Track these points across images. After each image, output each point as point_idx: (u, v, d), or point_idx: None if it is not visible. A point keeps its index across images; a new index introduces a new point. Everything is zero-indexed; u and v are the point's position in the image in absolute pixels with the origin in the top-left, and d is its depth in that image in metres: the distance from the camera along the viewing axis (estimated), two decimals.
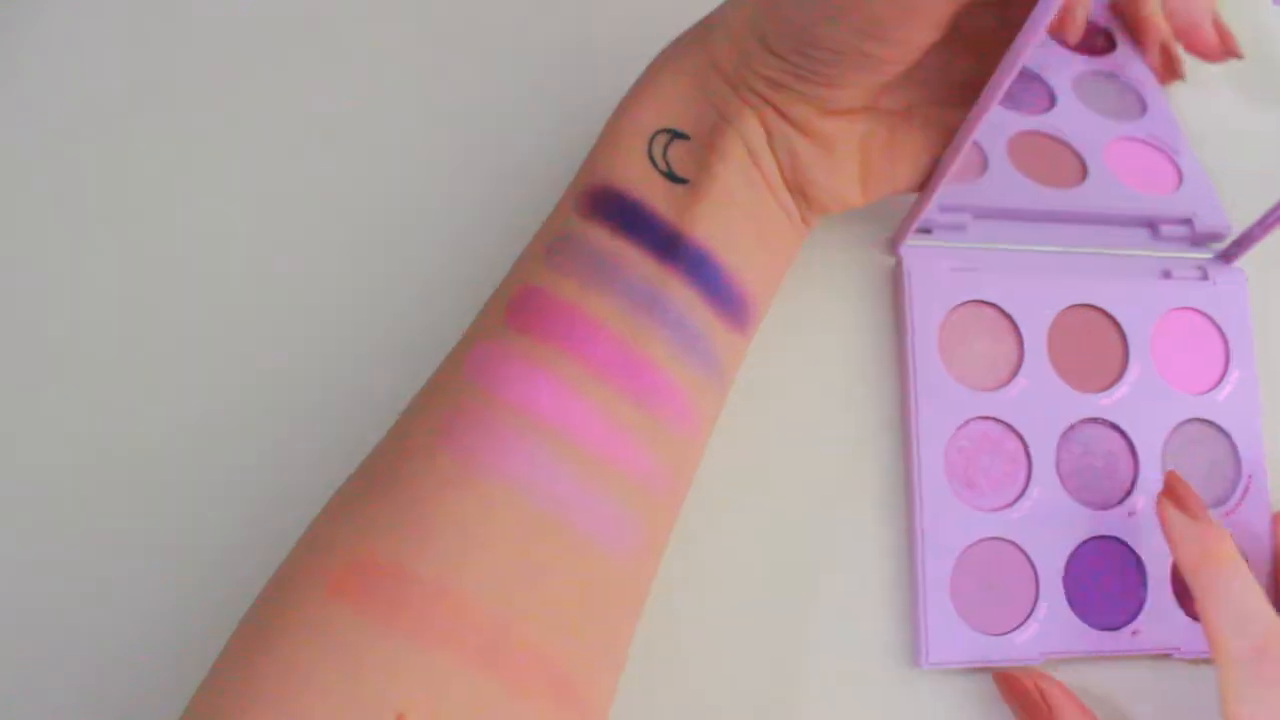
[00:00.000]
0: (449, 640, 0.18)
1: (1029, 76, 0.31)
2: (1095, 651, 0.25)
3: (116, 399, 0.25)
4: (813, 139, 0.22)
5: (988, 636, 0.25)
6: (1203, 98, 0.32)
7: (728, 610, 0.25)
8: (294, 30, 0.30)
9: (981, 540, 0.26)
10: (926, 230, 0.28)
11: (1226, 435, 0.27)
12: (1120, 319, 0.28)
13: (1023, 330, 0.27)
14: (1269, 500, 0.27)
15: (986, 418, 0.27)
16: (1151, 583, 0.26)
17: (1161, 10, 0.31)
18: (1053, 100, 0.30)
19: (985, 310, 0.28)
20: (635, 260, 0.21)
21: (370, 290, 0.27)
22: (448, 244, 0.28)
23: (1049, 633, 0.25)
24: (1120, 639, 0.26)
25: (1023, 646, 0.25)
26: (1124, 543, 0.26)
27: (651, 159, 0.22)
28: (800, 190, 0.23)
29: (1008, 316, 0.27)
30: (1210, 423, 0.27)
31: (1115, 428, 0.27)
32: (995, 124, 0.29)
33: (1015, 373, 0.27)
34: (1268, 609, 0.22)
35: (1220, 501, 0.27)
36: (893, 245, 0.28)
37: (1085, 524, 0.26)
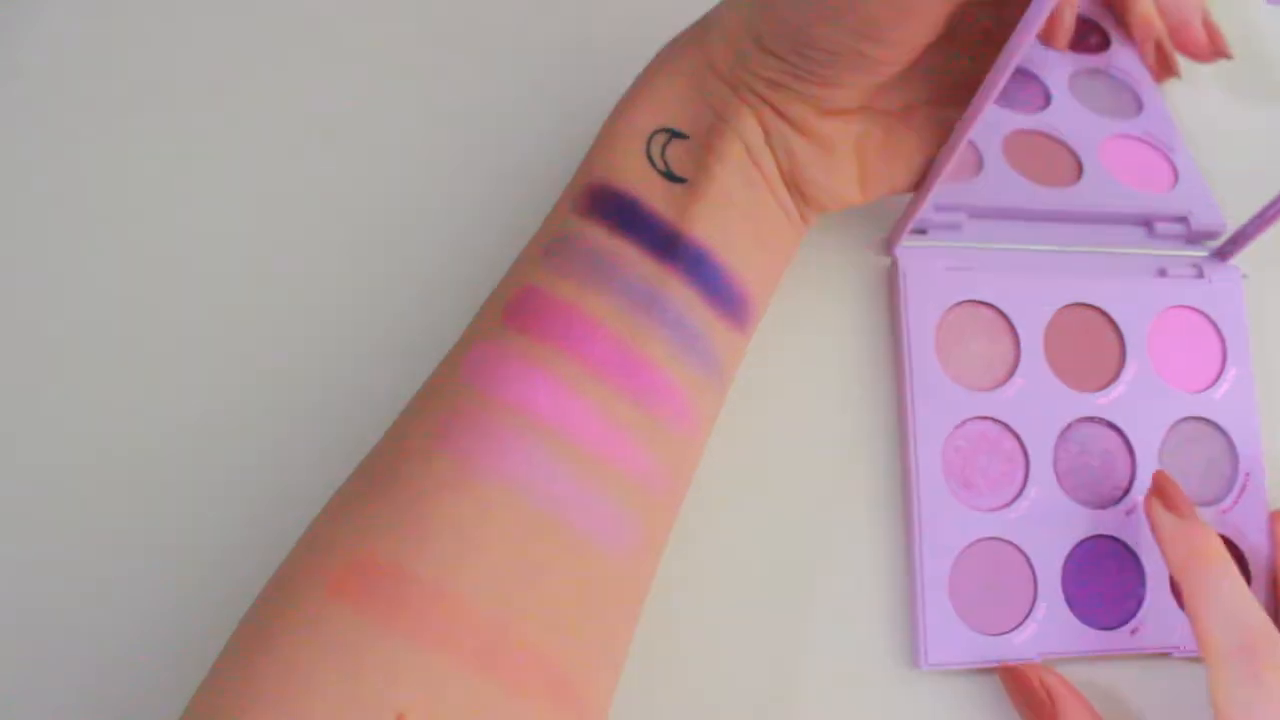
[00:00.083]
0: (446, 642, 0.18)
1: (1024, 75, 0.31)
2: (1094, 651, 0.25)
3: (116, 399, 0.25)
4: (810, 138, 0.23)
5: (986, 637, 0.25)
6: (1194, 96, 0.32)
7: (726, 610, 0.25)
8: (294, 30, 0.30)
9: (980, 540, 0.26)
10: (922, 230, 0.28)
11: (1224, 433, 0.27)
12: (1116, 318, 0.28)
13: (1019, 330, 0.27)
14: (1266, 497, 0.27)
15: (984, 418, 0.27)
16: (1150, 581, 0.26)
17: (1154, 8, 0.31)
18: (1048, 99, 0.30)
19: (981, 310, 0.28)
20: (634, 259, 0.21)
21: (370, 290, 0.27)
22: (448, 244, 0.28)
23: (1048, 632, 0.25)
24: (1119, 638, 0.26)
25: (1021, 647, 0.25)
26: (1122, 542, 0.26)
27: (650, 158, 0.22)
28: (798, 189, 0.23)
29: (1004, 316, 0.27)
30: (1207, 421, 0.27)
31: (1112, 426, 0.27)
32: (990, 123, 0.29)
33: (1012, 372, 0.27)
34: (1255, 608, 0.22)
35: (1218, 499, 0.27)
36: (888, 246, 0.28)
37: (1083, 523, 0.26)
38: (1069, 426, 0.27)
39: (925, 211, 0.26)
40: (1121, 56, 0.32)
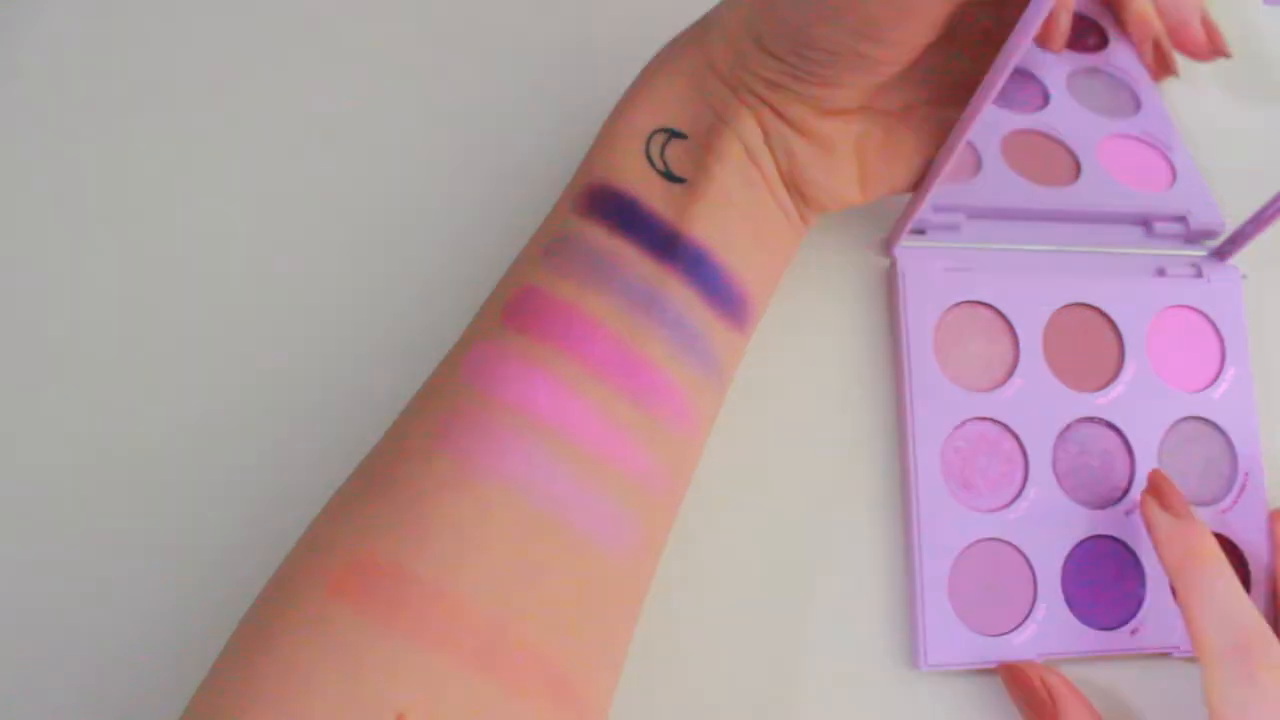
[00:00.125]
0: (446, 642, 0.18)
1: (1022, 75, 0.31)
2: (1094, 651, 0.25)
3: (116, 399, 0.25)
4: (810, 139, 0.23)
5: (986, 637, 0.25)
6: (1192, 95, 0.32)
7: (726, 610, 0.25)
8: (294, 30, 0.30)
9: (979, 541, 0.26)
10: (920, 231, 0.28)
11: (1223, 433, 0.27)
12: (1115, 317, 0.28)
13: (1018, 330, 0.27)
14: (1265, 497, 0.27)
15: (983, 418, 0.27)
16: (1149, 582, 0.26)
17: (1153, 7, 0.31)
18: (1046, 98, 0.30)
19: (980, 310, 0.28)
20: (633, 259, 0.21)
21: (370, 290, 0.27)
22: (448, 244, 0.28)
23: (1047, 633, 0.25)
24: (1119, 638, 0.26)
25: (1021, 647, 0.25)
26: (1121, 542, 0.26)
27: (649, 158, 0.22)
28: (798, 189, 0.23)
29: (1003, 316, 0.27)
30: (1206, 420, 0.27)
31: (1111, 427, 0.27)
32: (989, 123, 0.29)
33: (1011, 373, 0.27)
34: (1250, 607, 0.22)
35: (1217, 499, 0.27)
36: (887, 246, 0.28)
37: (1082, 523, 0.26)
38: (1068, 427, 0.27)
39: (924, 212, 0.26)
40: (1119, 55, 0.32)
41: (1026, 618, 0.25)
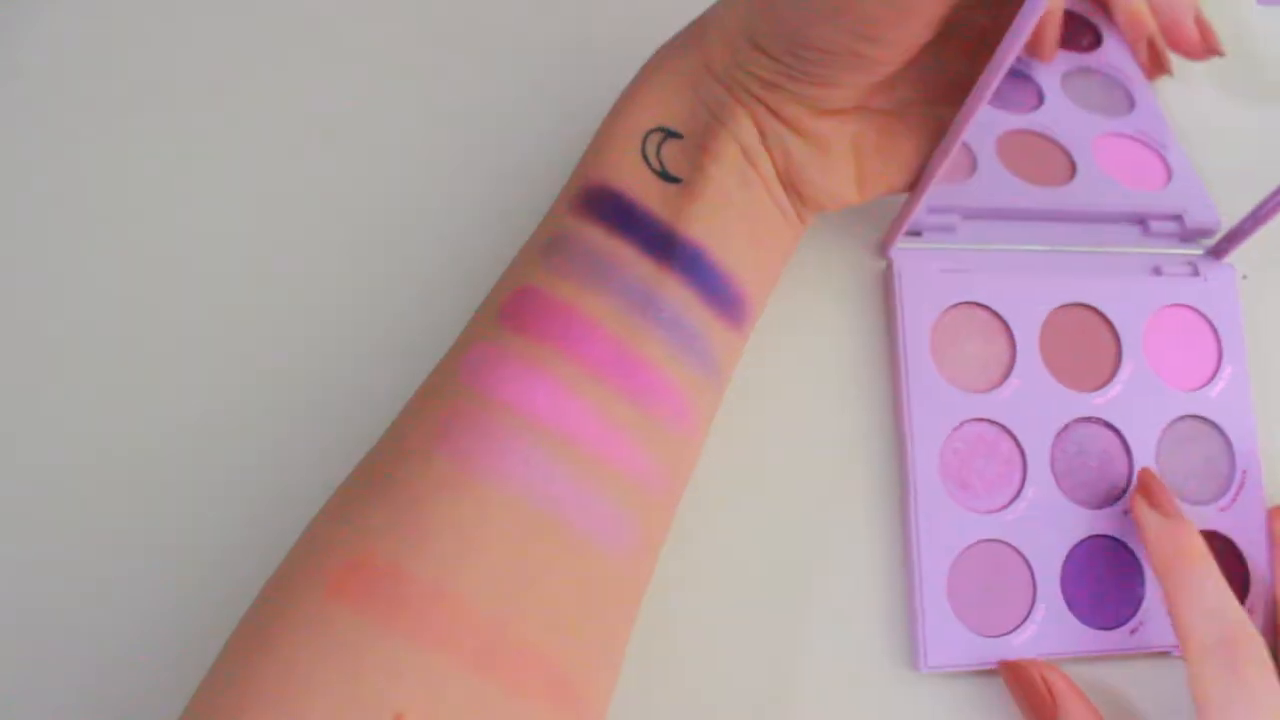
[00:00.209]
0: (446, 643, 0.18)
1: (1017, 76, 0.31)
2: (1093, 651, 0.25)
3: (116, 399, 0.25)
4: (807, 138, 0.23)
5: (986, 638, 0.25)
6: (1186, 94, 0.32)
7: (724, 611, 0.25)
8: (294, 30, 0.30)
9: (978, 542, 0.26)
10: (916, 232, 0.28)
11: (1220, 431, 0.28)
12: (1112, 317, 0.28)
13: (1014, 331, 0.27)
14: (1263, 495, 0.27)
15: (980, 419, 0.27)
16: (1149, 581, 0.26)
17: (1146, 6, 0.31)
18: (1041, 98, 0.30)
19: (977, 311, 0.28)
20: (631, 260, 0.21)
21: (370, 290, 0.27)
22: (448, 244, 0.28)
23: (1047, 634, 0.25)
24: (1118, 638, 0.26)
25: (1021, 648, 0.25)
26: (1120, 541, 0.26)
27: (645, 158, 0.22)
28: (796, 189, 0.23)
29: (999, 317, 0.27)
30: (1204, 419, 0.28)
31: (1109, 426, 0.27)
32: (983, 123, 0.29)
33: (1008, 374, 0.27)
34: (1235, 605, 0.22)
35: (1215, 497, 0.27)
36: (883, 248, 0.28)
37: (1081, 523, 0.26)
38: (1066, 427, 0.27)
39: (919, 213, 0.26)
40: (1113, 54, 0.32)
41: (1026, 618, 0.25)
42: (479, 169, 0.29)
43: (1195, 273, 0.29)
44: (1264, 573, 0.27)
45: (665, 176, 0.22)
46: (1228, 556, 0.27)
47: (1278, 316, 0.30)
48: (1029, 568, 0.26)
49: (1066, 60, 0.31)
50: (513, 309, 0.21)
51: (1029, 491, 0.26)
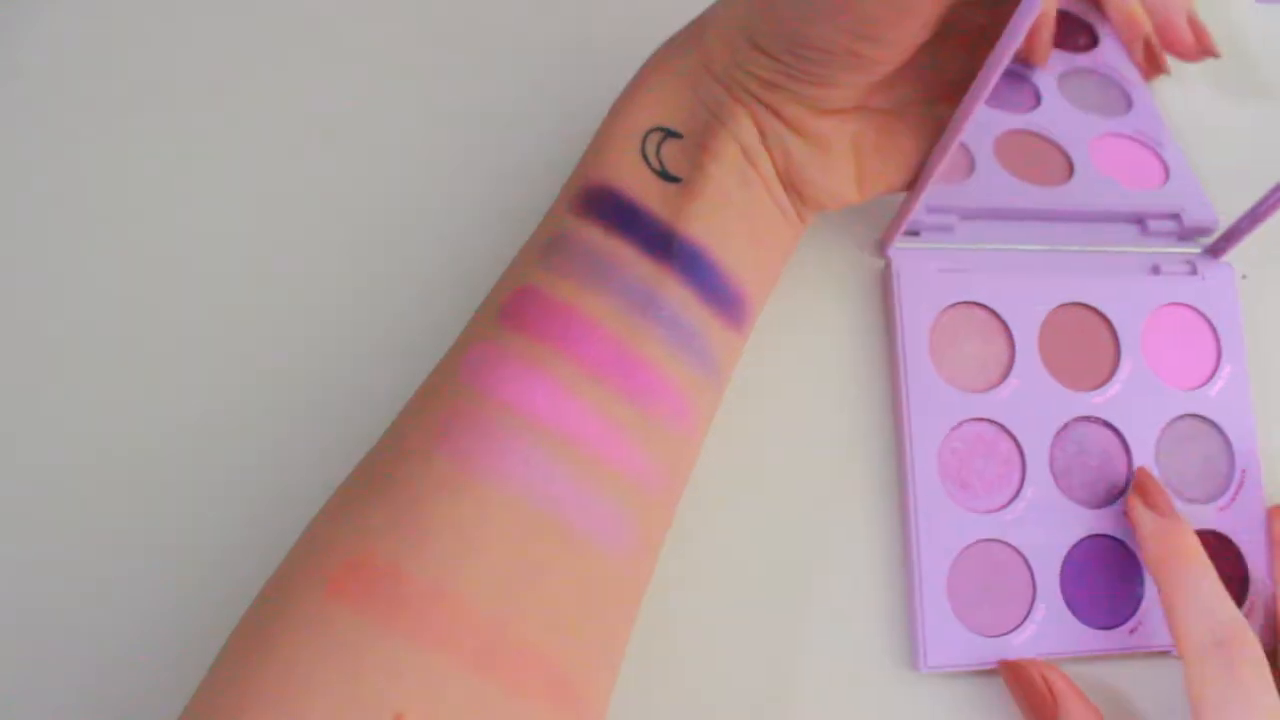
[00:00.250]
0: (446, 643, 0.18)
1: (1014, 75, 0.31)
2: (1093, 651, 0.25)
3: (116, 399, 0.25)
4: (806, 138, 0.23)
5: (985, 638, 0.25)
6: (1183, 93, 0.33)
7: (724, 610, 0.25)
8: (294, 30, 0.30)
9: (977, 542, 0.26)
10: (915, 232, 0.28)
11: (1219, 430, 0.28)
12: (1110, 316, 0.28)
13: (1013, 330, 0.27)
14: (1263, 494, 0.27)
15: (979, 419, 0.27)
16: (1148, 580, 0.26)
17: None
18: (1038, 99, 0.30)
19: (975, 311, 0.28)
20: (630, 259, 0.21)
21: (370, 290, 0.27)
22: (448, 244, 0.28)
23: (1047, 633, 0.25)
24: (1118, 638, 0.26)
25: (1021, 648, 0.25)
26: (1120, 541, 0.26)
27: (644, 157, 0.22)
28: (796, 188, 0.23)
29: (998, 317, 0.28)
30: (1203, 418, 0.28)
31: (1108, 426, 0.27)
32: (981, 124, 0.29)
33: (1006, 373, 0.27)
34: (1231, 605, 0.23)
35: (1214, 496, 0.27)
36: (882, 248, 0.28)
37: (1080, 523, 0.26)
38: (1065, 426, 0.27)
39: (918, 213, 0.26)
40: (1110, 54, 0.32)
41: (1026, 618, 0.25)
42: (479, 169, 0.29)
43: (1193, 271, 0.29)
44: (1263, 572, 0.27)
45: (665, 176, 0.22)
46: (1226, 556, 0.27)
47: (1276, 315, 0.30)
48: (1028, 567, 0.26)
49: (1063, 61, 0.31)
50: (513, 309, 0.21)
51: (1028, 491, 0.26)
